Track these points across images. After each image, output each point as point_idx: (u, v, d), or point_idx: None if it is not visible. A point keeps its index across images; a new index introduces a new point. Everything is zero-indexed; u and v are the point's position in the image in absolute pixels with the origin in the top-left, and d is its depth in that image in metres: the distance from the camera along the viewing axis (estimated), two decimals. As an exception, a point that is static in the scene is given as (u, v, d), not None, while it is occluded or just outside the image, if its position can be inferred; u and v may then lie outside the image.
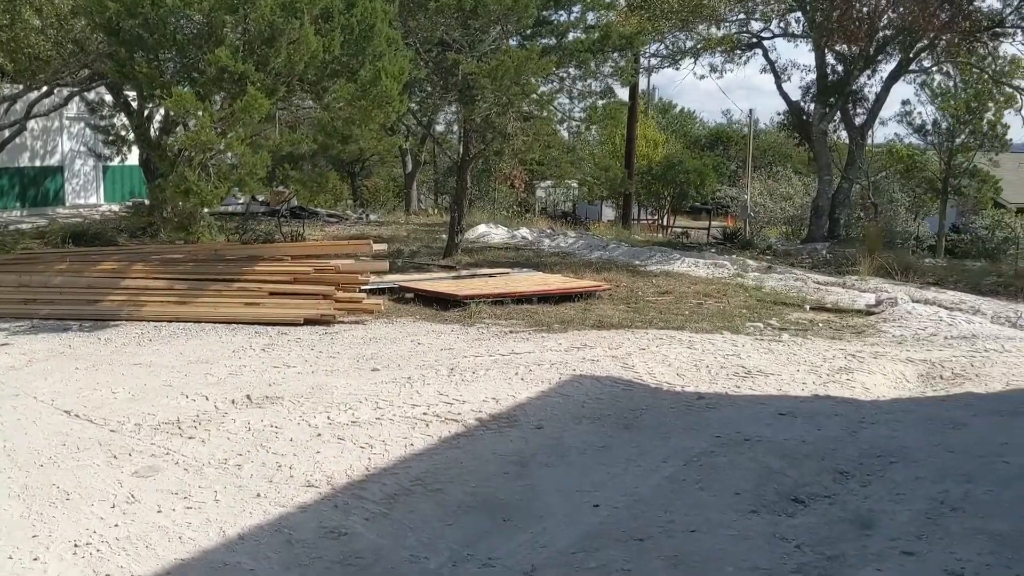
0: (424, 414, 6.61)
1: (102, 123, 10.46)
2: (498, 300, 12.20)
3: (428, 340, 9.55)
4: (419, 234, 22.50)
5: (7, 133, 13.55)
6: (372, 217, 27.28)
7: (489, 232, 23.09)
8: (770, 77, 22.46)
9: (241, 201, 26.01)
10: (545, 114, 13.96)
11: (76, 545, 4.31)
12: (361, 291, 11.53)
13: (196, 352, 8.73)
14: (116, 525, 4.52)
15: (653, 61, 25.06)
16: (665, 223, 37.44)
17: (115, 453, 5.64)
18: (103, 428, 6.18)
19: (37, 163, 23.63)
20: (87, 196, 25.17)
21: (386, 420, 6.47)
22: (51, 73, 10.48)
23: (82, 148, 20.09)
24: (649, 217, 39.40)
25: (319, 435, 6.13)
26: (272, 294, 10.71)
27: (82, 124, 15.51)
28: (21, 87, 12.12)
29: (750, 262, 17.63)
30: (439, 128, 33.05)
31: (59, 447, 5.74)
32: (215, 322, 10.28)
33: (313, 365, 8.27)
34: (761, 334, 10.52)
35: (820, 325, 11.52)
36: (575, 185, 43.27)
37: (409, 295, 12.77)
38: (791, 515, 4.80)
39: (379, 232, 22.75)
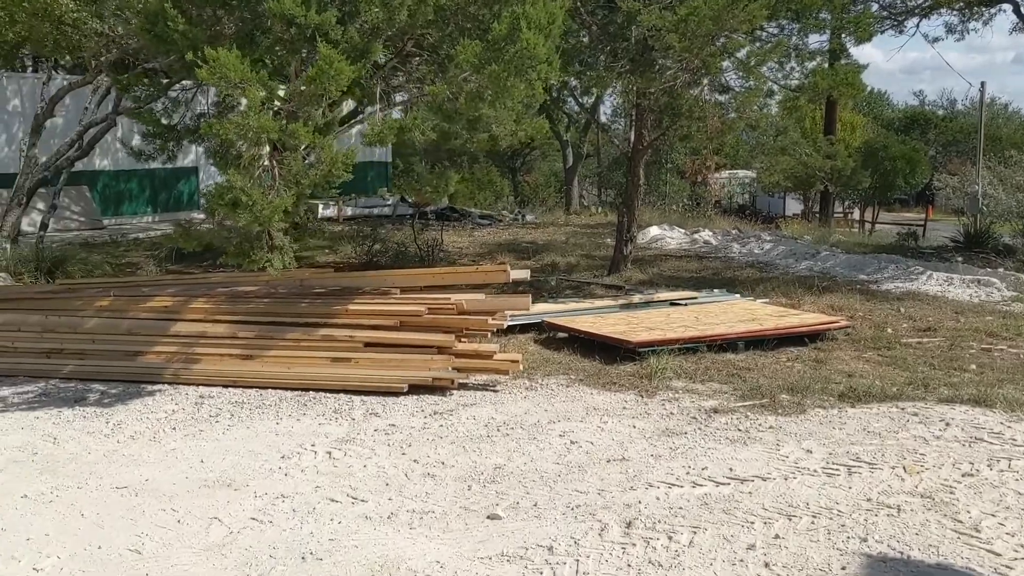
0: None
1: (140, 109, 7.74)
2: (688, 346, 8.54)
3: (586, 435, 6.02)
4: (579, 238, 19.02)
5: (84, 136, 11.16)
6: (528, 218, 24.08)
7: (663, 235, 19.29)
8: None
9: (389, 202, 23.50)
10: (751, 83, 10.13)
11: None
12: (500, 331, 8.22)
13: (224, 459, 5.60)
14: None
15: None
16: (863, 218, 32.25)
17: None
18: None
19: (169, 165, 21.92)
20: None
21: None
22: (84, 46, 7.82)
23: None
24: (845, 210, 34.19)
25: None
26: (368, 345, 7.51)
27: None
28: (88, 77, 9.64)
29: (1027, 278, 12.96)
30: (604, 112, 29.34)
31: None
32: (285, 388, 7.19)
33: (395, 498, 4.93)
34: None
35: None
36: (746, 174, 38.32)
37: (561, 333, 9.33)
38: None
39: (534, 237, 19.48)
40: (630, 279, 13.05)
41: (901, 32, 20.15)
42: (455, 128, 7.65)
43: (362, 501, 4.86)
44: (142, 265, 13.84)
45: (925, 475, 5.12)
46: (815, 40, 12.03)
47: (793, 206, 34.87)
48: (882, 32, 20.14)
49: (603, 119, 30.16)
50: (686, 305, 10.66)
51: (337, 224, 20.69)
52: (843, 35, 11.22)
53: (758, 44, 10.75)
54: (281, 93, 6.88)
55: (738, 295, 11.57)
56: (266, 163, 6.81)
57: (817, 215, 28.64)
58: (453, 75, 7.54)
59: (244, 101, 6.55)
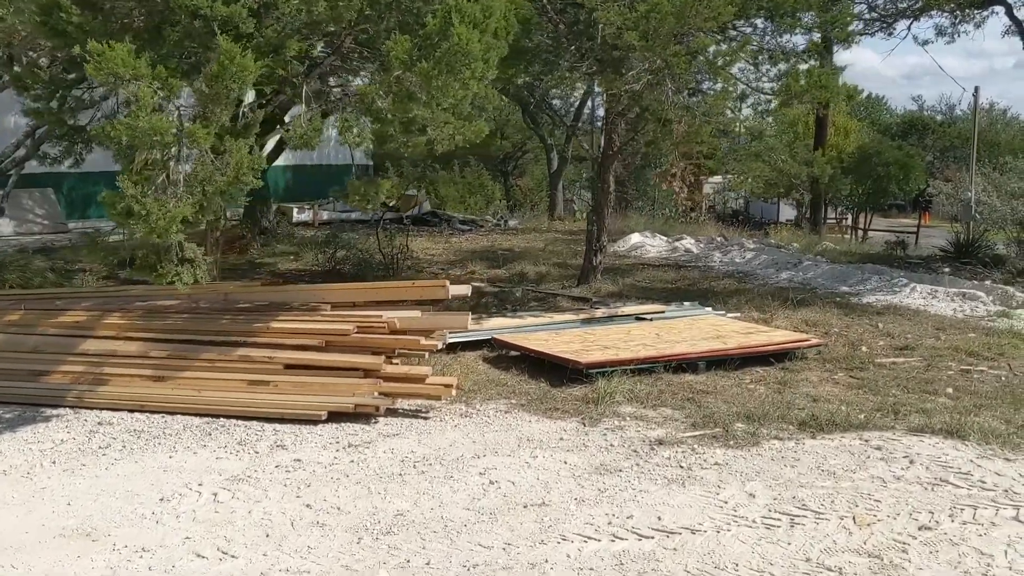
0: None
1: (39, 106, 7.08)
2: (644, 366, 7.93)
3: (510, 472, 5.42)
4: (558, 246, 18.41)
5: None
6: (511, 223, 23.47)
7: (644, 243, 18.67)
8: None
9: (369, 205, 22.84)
10: (720, 86, 9.54)
11: None
12: (439, 350, 7.63)
13: (96, 501, 5.00)
14: None
15: (855, 27, 19.69)
16: (855, 225, 31.65)
17: None
18: None
19: (139, 167, 21.31)
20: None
21: None
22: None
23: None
24: (839, 216, 33.60)
25: None
26: (289, 367, 6.92)
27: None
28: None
29: (1015, 292, 12.35)
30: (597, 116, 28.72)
31: None
32: (195, 413, 6.59)
33: (271, 553, 4.33)
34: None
35: None
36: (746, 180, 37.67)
37: (513, 351, 8.72)
38: None
39: (512, 243, 18.90)
40: (599, 291, 12.44)
41: (891, 35, 19.57)
42: (388, 130, 7.05)
43: (232, 557, 4.26)
44: (94, 271, 13.24)
45: (876, 528, 4.52)
46: (799, 42, 11.48)
47: (787, 212, 34.26)
48: (872, 35, 19.57)
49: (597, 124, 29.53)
50: (651, 320, 10.06)
51: (312, 229, 20.08)
52: (823, 35, 10.63)
53: (731, 44, 10.17)
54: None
55: (709, 309, 10.99)
56: (174, 166, 6.20)
57: (809, 221, 28.03)
58: (387, 74, 6.95)
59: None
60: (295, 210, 21.45)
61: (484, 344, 8.97)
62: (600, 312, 10.49)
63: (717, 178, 37.01)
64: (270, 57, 6.18)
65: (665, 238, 19.07)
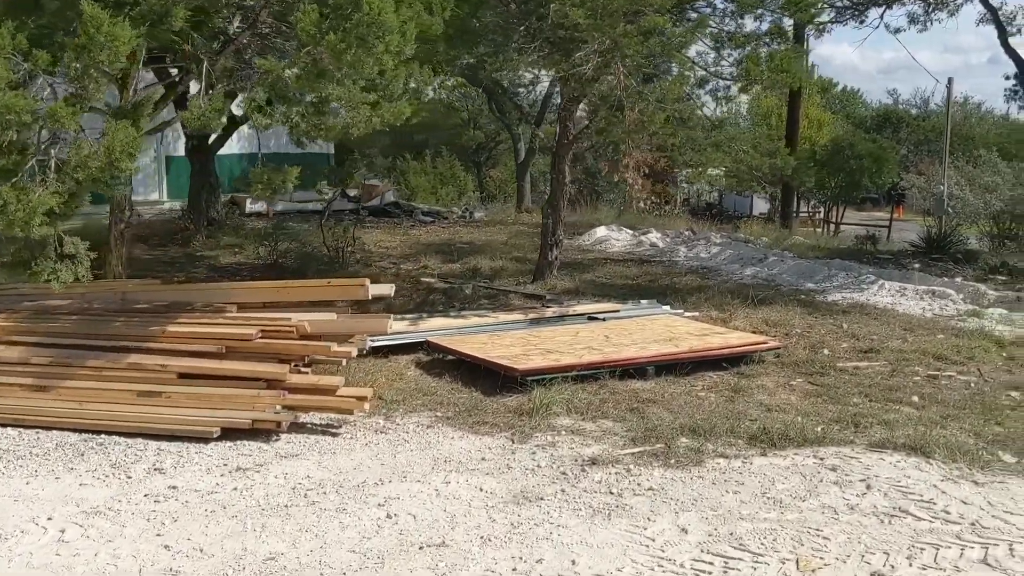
0: None
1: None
2: (588, 372, 7.28)
3: (414, 503, 4.73)
4: (521, 239, 17.71)
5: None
6: (477, 215, 22.74)
7: (609, 237, 18.03)
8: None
9: (328, 195, 22.01)
10: (676, 69, 8.88)
11: None
12: (362, 355, 6.96)
13: (-81, 540, 4.29)
14: None
15: (828, 16, 19.13)
16: (828, 218, 31.20)
17: None
18: None
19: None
20: (148, 192, 21.86)
21: None
22: None
23: None
24: (812, 210, 33.15)
25: None
26: (183, 376, 6.19)
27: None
28: None
29: (987, 290, 11.82)
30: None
31: None
32: (76, 429, 5.86)
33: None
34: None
35: None
36: (717, 172, 37.10)
37: (449, 355, 8.03)
38: None
39: (474, 236, 18.20)
40: (554, 287, 11.78)
41: (863, 23, 19.05)
42: (294, 111, 6.34)
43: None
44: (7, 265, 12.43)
45: (821, 574, 3.88)
46: (764, 26, 10.84)
47: (760, 205, 33.77)
48: (844, 23, 19.02)
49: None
50: (604, 320, 9.42)
51: (266, 219, 19.25)
52: (793, 20, 10.00)
53: (688, 24, 9.52)
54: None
55: (667, 307, 10.35)
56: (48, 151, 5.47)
57: (780, 215, 27.51)
58: (300, 50, 6.23)
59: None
60: (248, 200, 20.59)
61: (421, 347, 8.29)
62: (551, 311, 9.83)
63: (688, 170, 36.44)
64: (146, 26, 5.43)
65: (631, 232, 18.45)
